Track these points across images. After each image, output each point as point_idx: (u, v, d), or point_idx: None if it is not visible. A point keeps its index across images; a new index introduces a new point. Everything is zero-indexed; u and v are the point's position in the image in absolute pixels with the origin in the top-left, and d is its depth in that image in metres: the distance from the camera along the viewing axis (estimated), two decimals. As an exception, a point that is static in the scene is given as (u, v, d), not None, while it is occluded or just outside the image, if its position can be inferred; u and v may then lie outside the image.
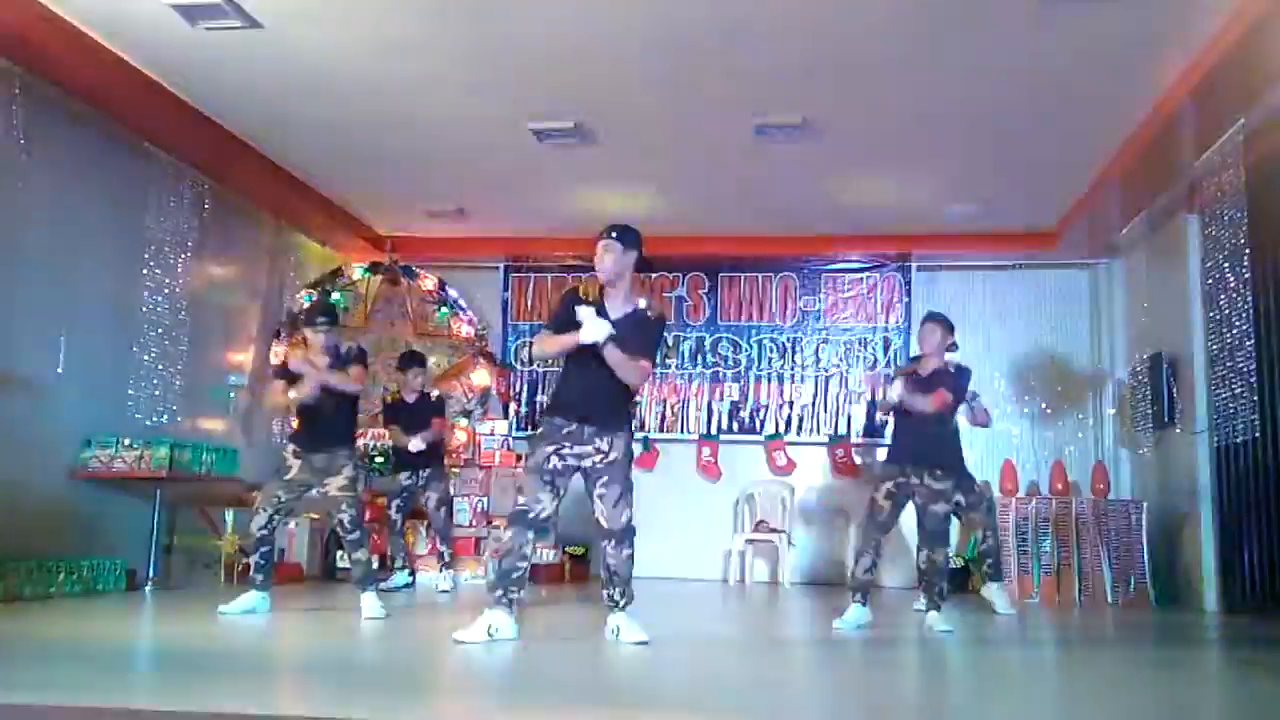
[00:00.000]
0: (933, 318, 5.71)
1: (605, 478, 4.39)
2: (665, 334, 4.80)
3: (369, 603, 5.30)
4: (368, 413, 8.00)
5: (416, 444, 7.07)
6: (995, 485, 8.07)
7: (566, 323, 4.38)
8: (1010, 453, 8.72)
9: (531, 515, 4.34)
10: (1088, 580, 7.77)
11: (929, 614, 5.33)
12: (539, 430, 4.50)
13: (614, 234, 4.47)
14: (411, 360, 7.48)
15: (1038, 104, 6.32)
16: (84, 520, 6.45)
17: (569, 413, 4.40)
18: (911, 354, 7.96)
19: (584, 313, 4.29)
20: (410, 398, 7.33)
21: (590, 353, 4.32)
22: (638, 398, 9.42)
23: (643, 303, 4.55)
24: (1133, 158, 6.89)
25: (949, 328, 5.65)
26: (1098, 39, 5.48)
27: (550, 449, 4.37)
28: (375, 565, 5.80)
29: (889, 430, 6.02)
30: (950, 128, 6.78)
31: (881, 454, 6.51)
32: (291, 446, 5.44)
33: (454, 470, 8.42)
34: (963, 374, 5.60)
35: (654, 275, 9.39)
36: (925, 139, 6.99)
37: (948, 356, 5.65)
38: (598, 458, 4.39)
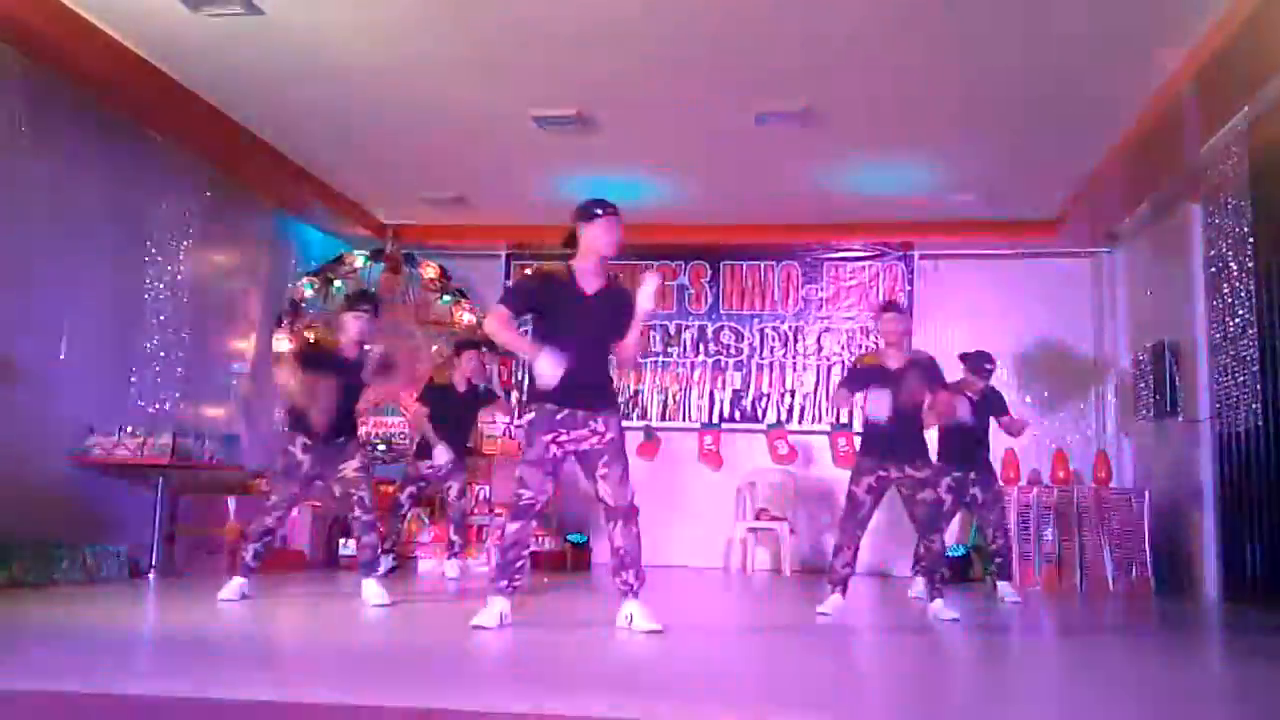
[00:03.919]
0: (896, 308, 5.63)
1: (606, 457, 4.37)
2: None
3: (371, 589, 5.30)
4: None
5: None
6: (997, 473, 8.07)
7: (530, 308, 4.47)
8: (1012, 441, 8.70)
9: (538, 508, 4.37)
10: (1089, 568, 7.78)
11: (932, 602, 5.33)
12: (531, 418, 4.40)
13: (617, 211, 4.43)
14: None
15: (1041, 92, 6.30)
16: (87, 507, 6.46)
17: (561, 398, 4.33)
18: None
19: (542, 363, 4.21)
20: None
21: (572, 335, 4.31)
22: (638, 384, 9.45)
23: (612, 277, 4.56)
24: (1136, 146, 6.86)
25: (909, 317, 5.60)
26: (1101, 26, 5.46)
27: (548, 438, 4.34)
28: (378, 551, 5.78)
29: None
30: (953, 116, 6.76)
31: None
32: (301, 440, 5.43)
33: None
34: (934, 363, 5.58)
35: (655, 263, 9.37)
36: (928, 127, 6.97)
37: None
38: (594, 439, 4.37)
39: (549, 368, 4.19)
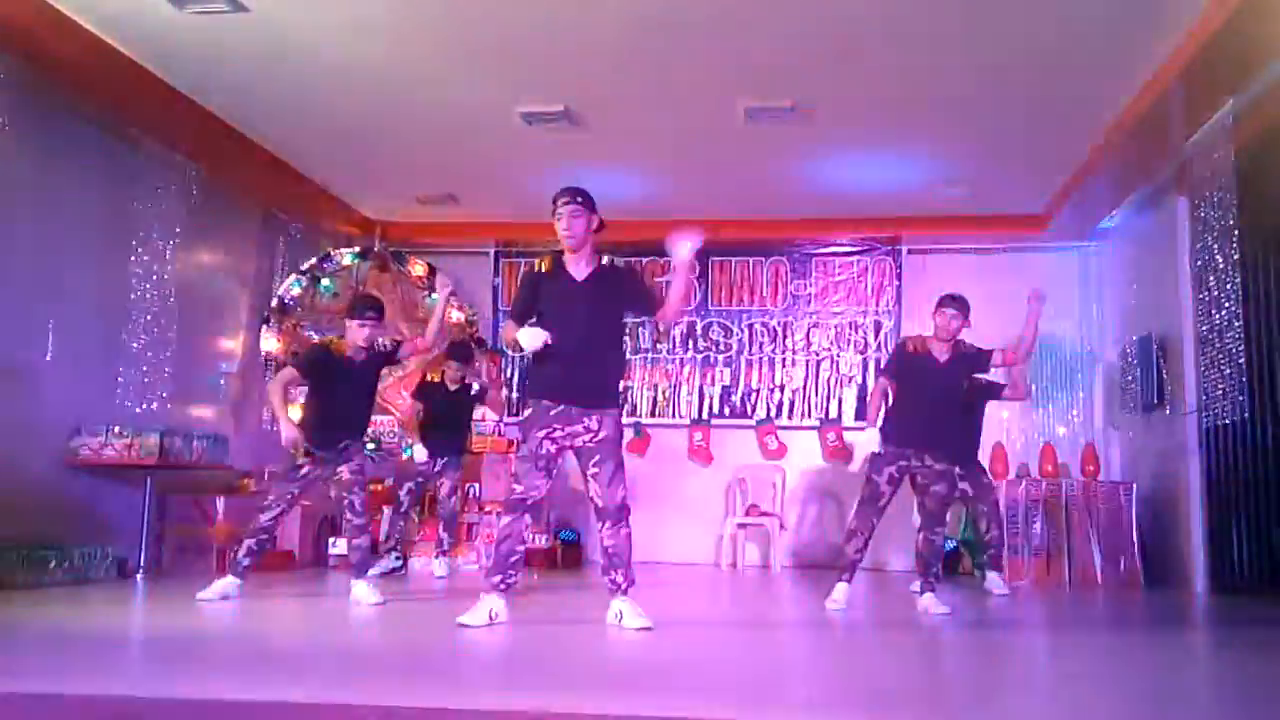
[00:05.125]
0: (955, 303, 5.51)
1: (598, 456, 4.36)
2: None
3: (363, 590, 5.30)
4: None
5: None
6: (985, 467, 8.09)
7: (529, 306, 4.45)
8: (1000, 435, 8.73)
9: (530, 502, 4.35)
10: (1078, 562, 7.80)
11: (923, 596, 5.35)
12: (528, 413, 4.44)
13: (579, 199, 4.41)
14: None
15: (1027, 87, 6.31)
16: (75, 508, 6.43)
17: (556, 393, 4.35)
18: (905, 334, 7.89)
19: (523, 334, 4.26)
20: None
21: (566, 323, 4.31)
22: (628, 381, 9.44)
23: (604, 260, 4.53)
24: (1122, 140, 6.88)
25: (966, 315, 5.51)
26: (1087, 21, 5.47)
27: (542, 433, 4.35)
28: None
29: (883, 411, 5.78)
30: (940, 111, 6.77)
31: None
32: (306, 446, 5.43)
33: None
34: (980, 355, 5.59)
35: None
36: (915, 123, 6.98)
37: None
38: (588, 436, 4.36)
39: (530, 338, 4.22)
